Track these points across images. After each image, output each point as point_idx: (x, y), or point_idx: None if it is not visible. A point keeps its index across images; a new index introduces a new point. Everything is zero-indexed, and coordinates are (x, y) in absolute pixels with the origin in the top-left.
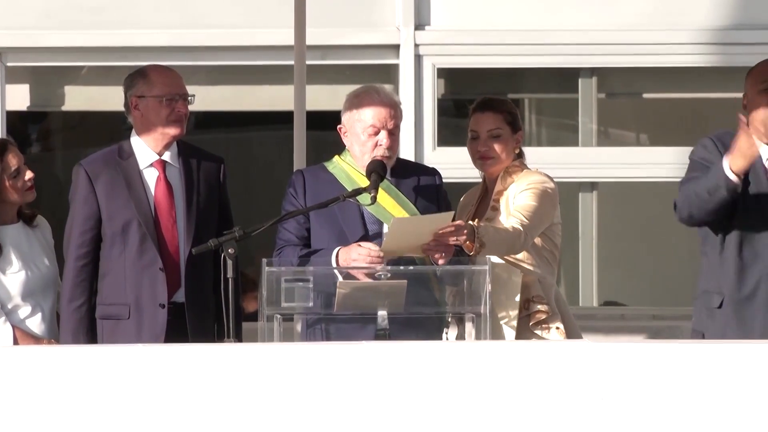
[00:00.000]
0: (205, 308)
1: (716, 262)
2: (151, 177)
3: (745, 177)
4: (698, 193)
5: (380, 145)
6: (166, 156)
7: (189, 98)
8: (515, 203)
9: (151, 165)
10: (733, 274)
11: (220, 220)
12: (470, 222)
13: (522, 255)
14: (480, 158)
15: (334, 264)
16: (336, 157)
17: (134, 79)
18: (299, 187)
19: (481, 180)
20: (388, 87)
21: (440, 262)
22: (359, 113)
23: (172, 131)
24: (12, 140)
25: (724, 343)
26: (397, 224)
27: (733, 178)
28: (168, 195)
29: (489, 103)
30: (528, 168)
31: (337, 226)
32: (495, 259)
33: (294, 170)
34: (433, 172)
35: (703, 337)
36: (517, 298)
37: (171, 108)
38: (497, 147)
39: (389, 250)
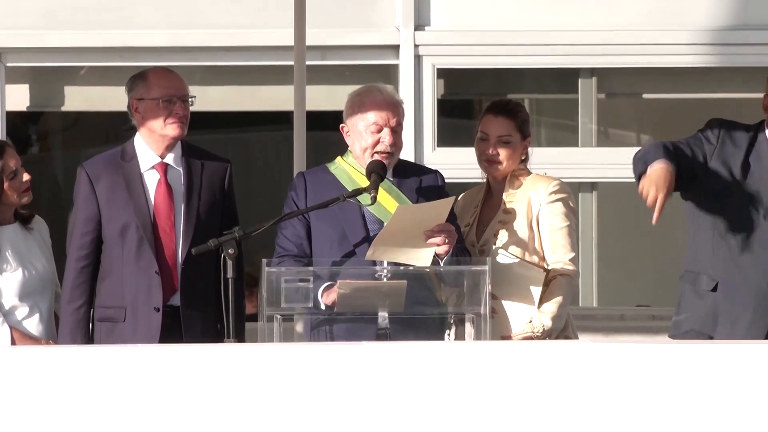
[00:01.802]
0: (204, 312)
1: (708, 245)
2: (152, 180)
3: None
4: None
5: (383, 142)
6: (169, 158)
7: (190, 99)
8: (549, 227)
9: (153, 167)
10: (729, 262)
11: (224, 223)
12: (531, 326)
13: (537, 258)
14: (486, 161)
15: (320, 298)
16: (338, 158)
17: (135, 81)
18: (300, 190)
19: (483, 181)
20: (389, 87)
21: (444, 249)
22: (362, 112)
23: (171, 133)
24: (10, 142)
25: (723, 343)
26: (401, 212)
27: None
28: (168, 198)
29: (504, 108)
30: (531, 172)
31: (338, 226)
32: (512, 258)
33: (294, 171)
34: (435, 173)
35: (699, 335)
36: (537, 292)
37: (169, 110)
38: (505, 153)
39: (385, 240)
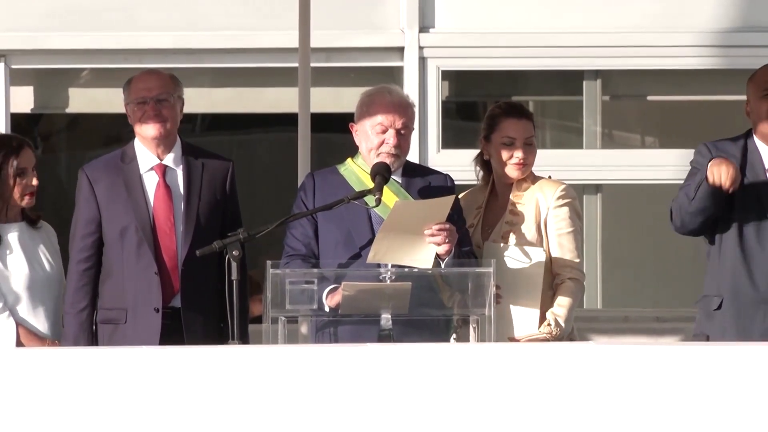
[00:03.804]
0: (205, 312)
1: (716, 264)
2: (151, 181)
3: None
4: (687, 195)
5: (386, 143)
6: (168, 159)
7: (171, 98)
8: (556, 231)
9: (151, 169)
10: (732, 275)
11: (226, 223)
12: (548, 326)
13: (544, 261)
14: (516, 165)
15: (324, 301)
16: (348, 159)
17: (124, 87)
18: (309, 190)
19: (482, 182)
20: (401, 89)
21: (445, 248)
22: (369, 112)
23: (147, 132)
24: (29, 142)
25: (727, 345)
26: (400, 207)
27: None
28: (167, 199)
29: (522, 110)
30: (535, 174)
31: (345, 227)
32: (520, 260)
33: (299, 172)
34: (445, 176)
35: (707, 339)
36: (540, 289)
37: (142, 111)
38: (531, 154)
39: (386, 239)
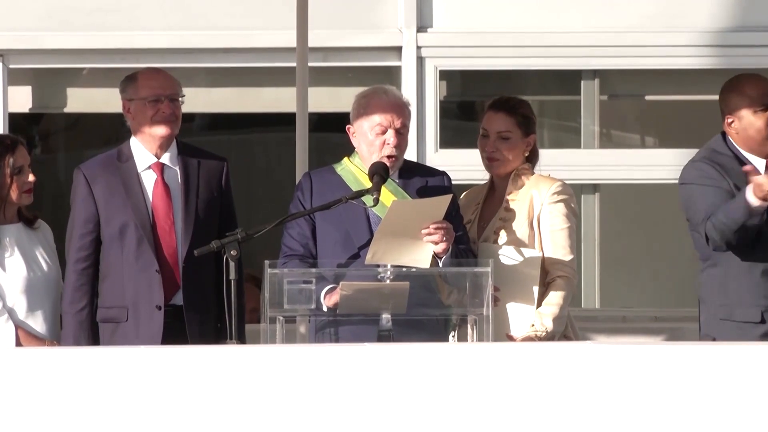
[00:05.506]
0: (205, 310)
1: (714, 274)
2: (149, 179)
3: None
4: (728, 224)
5: (387, 144)
6: (165, 158)
7: (180, 99)
8: (550, 227)
9: (149, 167)
10: (730, 287)
11: (222, 222)
12: (535, 331)
13: (537, 257)
14: (487, 158)
15: (322, 300)
16: (345, 158)
17: (126, 83)
18: (306, 190)
19: (486, 181)
20: (395, 89)
21: (442, 247)
22: (367, 113)
23: (159, 132)
24: (23, 140)
25: (727, 345)
26: (397, 207)
27: (756, 204)
28: (166, 197)
29: (504, 104)
30: (534, 172)
31: (343, 227)
32: (512, 256)
33: (296, 172)
34: (442, 175)
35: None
36: (536, 290)
37: (156, 109)
38: (505, 149)
39: (383, 239)
